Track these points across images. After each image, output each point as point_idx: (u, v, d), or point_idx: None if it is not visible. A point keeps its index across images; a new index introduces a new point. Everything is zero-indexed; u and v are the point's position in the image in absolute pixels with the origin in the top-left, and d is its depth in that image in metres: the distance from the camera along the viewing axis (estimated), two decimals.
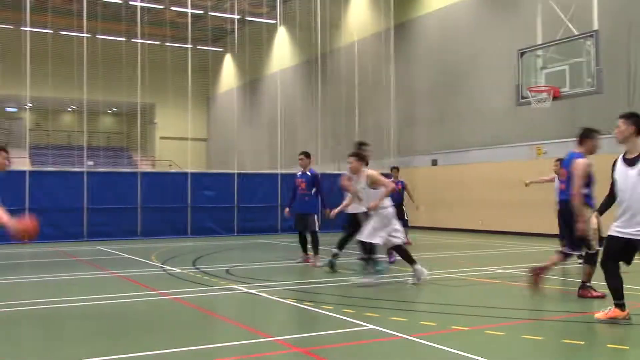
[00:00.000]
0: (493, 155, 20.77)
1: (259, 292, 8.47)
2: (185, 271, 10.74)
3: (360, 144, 10.87)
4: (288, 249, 12.86)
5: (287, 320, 7.11)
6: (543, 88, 13.30)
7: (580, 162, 7.42)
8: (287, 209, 12.13)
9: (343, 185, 10.29)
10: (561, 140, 18.28)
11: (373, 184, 9.29)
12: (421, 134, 24.09)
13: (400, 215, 15.40)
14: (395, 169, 17.19)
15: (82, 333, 6.32)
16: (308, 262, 11.64)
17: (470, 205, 21.10)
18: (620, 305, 6.37)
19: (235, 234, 20.01)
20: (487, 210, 20.56)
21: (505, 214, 19.80)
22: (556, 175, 11.62)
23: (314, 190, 11.80)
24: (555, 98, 13.21)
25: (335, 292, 8.53)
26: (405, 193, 15.87)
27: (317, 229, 11.67)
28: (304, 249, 11.88)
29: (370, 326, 6.23)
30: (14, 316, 7.32)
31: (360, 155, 9.54)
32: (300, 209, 11.82)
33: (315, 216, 11.75)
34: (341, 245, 10.68)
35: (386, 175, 16.08)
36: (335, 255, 10.60)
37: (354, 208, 10.19)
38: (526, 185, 12.27)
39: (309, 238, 11.76)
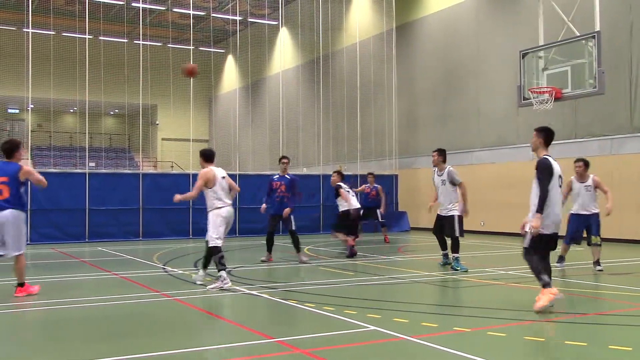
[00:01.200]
0: (495, 156, 20.76)
1: (261, 293, 8.47)
2: (187, 272, 10.74)
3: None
4: (289, 250, 12.88)
5: (289, 322, 7.10)
6: (545, 89, 13.26)
7: None
8: (264, 206, 12.50)
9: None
10: (563, 141, 18.28)
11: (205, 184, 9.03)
12: (423, 135, 24.08)
13: (375, 216, 17.01)
14: (371, 174, 17.92)
15: (85, 334, 6.32)
16: (271, 260, 12.31)
17: (471, 206, 20.99)
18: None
19: (237, 235, 20.00)
20: (488, 211, 20.54)
21: (507, 215, 19.77)
22: (575, 177, 10.91)
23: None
24: (557, 99, 13.16)
25: (337, 293, 8.52)
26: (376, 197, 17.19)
27: (294, 227, 12.40)
28: (270, 249, 12.45)
29: (372, 327, 6.23)
30: (17, 317, 7.34)
31: (204, 153, 9.33)
32: (280, 211, 12.24)
33: (292, 216, 12.34)
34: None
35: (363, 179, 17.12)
36: None
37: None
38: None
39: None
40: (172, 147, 37.98)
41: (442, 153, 11.58)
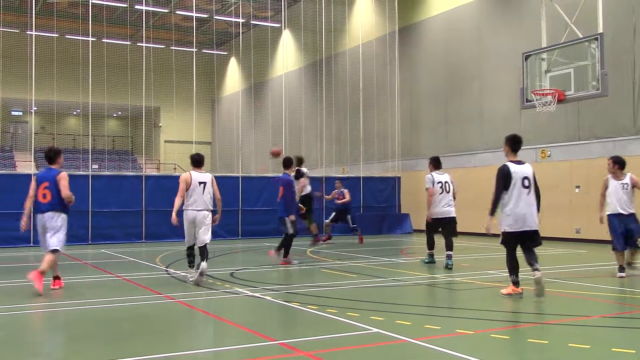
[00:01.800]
0: (497, 159, 20.71)
1: (263, 295, 8.47)
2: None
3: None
4: (292, 252, 12.88)
5: (292, 324, 7.10)
6: (547, 91, 13.24)
7: None
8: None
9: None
10: (566, 143, 18.26)
11: None
12: (426, 137, 24.08)
13: (344, 219, 18.16)
14: (339, 181, 19.24)
15: (87, 336, 6.32)
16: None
17: (474, 208, 21.06)
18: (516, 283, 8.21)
19: (239, 237, 20.02)
20: None
21: None
22: (611, 175, 10.36)
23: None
24: (559, 101, 13.14)
25: (340, 295, 8.52)
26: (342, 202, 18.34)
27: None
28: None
29: (375, 330, 6.23)
30: (22, 319, 7.35)
31: (191, 158, 10.05)
32: (296, 212, 12.80)
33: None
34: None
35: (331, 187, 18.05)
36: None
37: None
38: (602, 222, 10.49)
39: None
40: (175, 149, 38.02)
41: (432, 161, 12.17)
